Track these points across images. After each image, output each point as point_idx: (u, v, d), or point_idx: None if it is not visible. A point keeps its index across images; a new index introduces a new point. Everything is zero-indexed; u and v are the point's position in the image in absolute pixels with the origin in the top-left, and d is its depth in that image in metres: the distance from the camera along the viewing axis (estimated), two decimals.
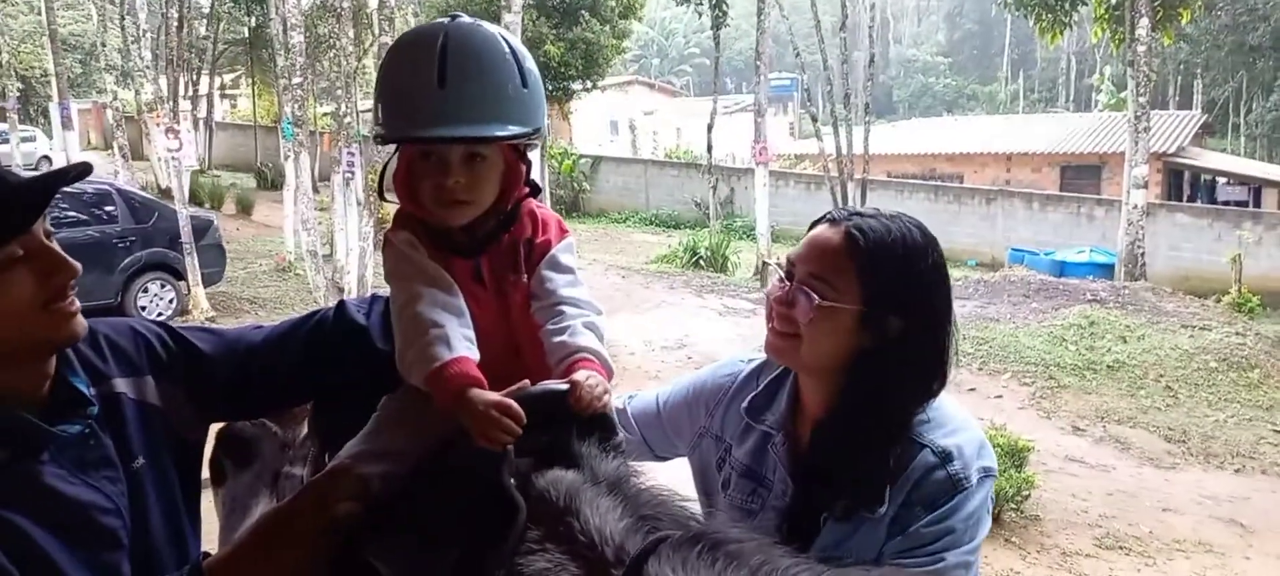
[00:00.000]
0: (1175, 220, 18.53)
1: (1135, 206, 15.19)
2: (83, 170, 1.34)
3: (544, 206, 1.53)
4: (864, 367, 1.46)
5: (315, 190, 13.81)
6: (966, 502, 1.43)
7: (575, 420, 1.31)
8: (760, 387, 1.66)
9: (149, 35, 19.74)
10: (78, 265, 1.32)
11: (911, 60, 63.84)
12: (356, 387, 1.57)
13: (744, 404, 1.66)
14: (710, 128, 20.00)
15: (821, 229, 1.51)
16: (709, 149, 20.27)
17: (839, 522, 1.45)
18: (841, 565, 1.15)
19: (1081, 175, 23.85)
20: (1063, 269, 15.86)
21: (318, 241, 12.58)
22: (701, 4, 20.40)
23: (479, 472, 1.24)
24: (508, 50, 1.38)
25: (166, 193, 15.84)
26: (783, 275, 1.53)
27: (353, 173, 12.19)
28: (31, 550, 1.24)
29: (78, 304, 1.33)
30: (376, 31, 17.47)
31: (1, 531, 1.22)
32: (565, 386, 1.31)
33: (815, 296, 1.45)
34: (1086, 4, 17.30)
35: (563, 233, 1.51)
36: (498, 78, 1.35)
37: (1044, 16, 17.49)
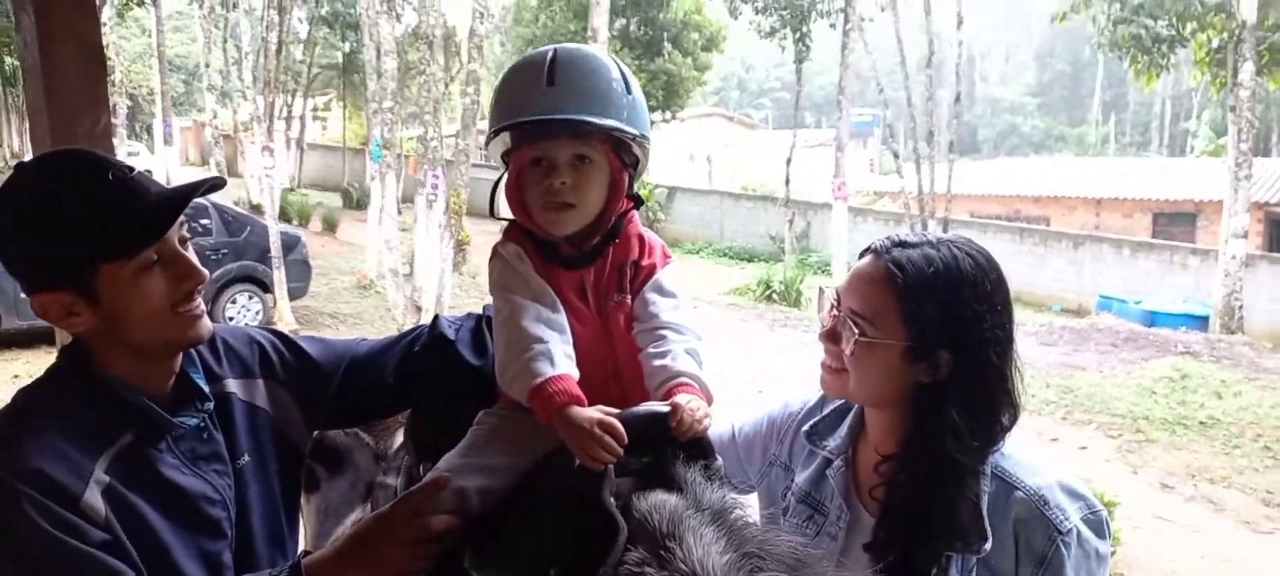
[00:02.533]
0: (1276, 271, 17.66)
1: (1233, 257, 14.55)
2: (216, 183, 1.44)
3: (650, 232, 1.54)
4: (923, 403, 1.42)
5: (398, 211, 14.14)
6: (1076, 554, 1.37)
7: (675, 444, 1.31)
8: (824, 414, 1.64)
9: (249, 57, 20.62)
10: (206, 272, 1.43)
11: (998, 99, 62.68)
12: (449, 399, 1.60)
13: (806, 428, 1.64)
14: (789, 161, 19.91)
15: (864, 261, 1.48)
16: (787, 182, 20.16)
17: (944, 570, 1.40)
18: None
19: (1175, 222, 22.94)
20: (1154, 319, 15.24)
21: (399, 260, 12.87)
22: (785, 38, 20.40)
23: (579, 490, 1.24)
24: (613, 64, 1.43)
25: (258, 208, 16.42)
26: (833, 307, 1.51)
27: (436, 194, 12.46)
28: (145, 529, 1.33)
29: (204, 308, 1.43)
30: (464, 59, 17.92)
31: (121, 508, 1.30)
32: (666, 408, 1.30)
33: (856, 331, 1.42)
34: (1186, 46, 16.76)
35: (667, 258, 1.52)
36: (603, 80, 1.39)
37: (1140, 58, 16.99)
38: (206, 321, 1.44)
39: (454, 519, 1.36)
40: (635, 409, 1.31)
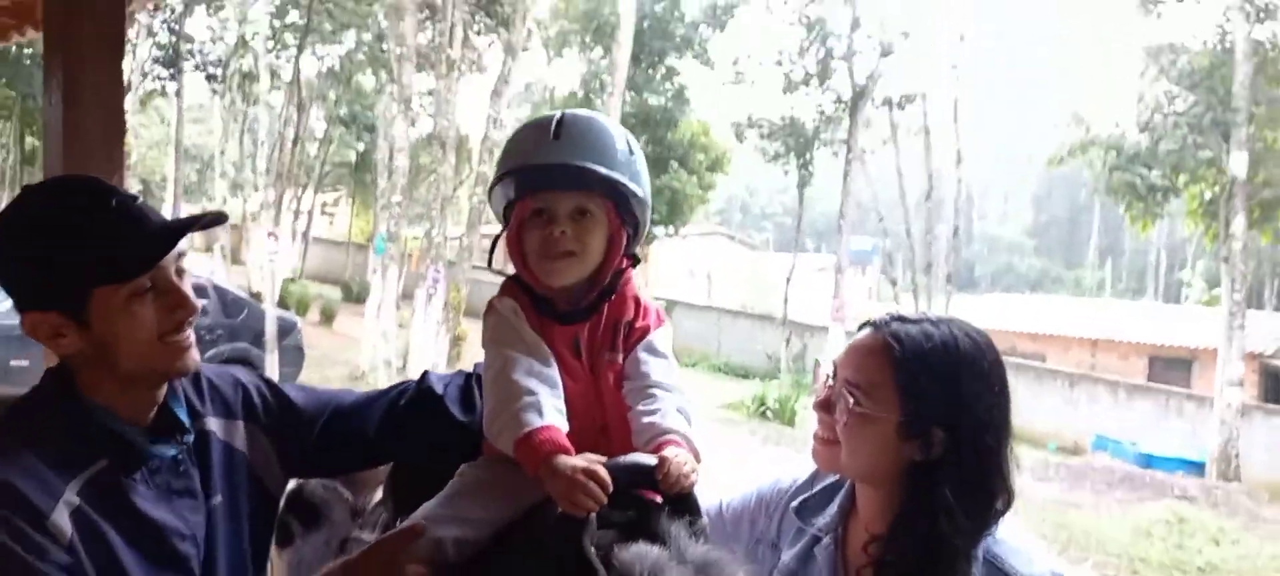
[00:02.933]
0: (1272, 424, 17.57)
1: (1229, 405, 14.52)
2: (218, 218, 1.48)
3: (646, 294, 1.55)
4: (915, 482, 1.39)
5: (397, 306, 14.21)
6: None
7: (662, 499, 1.28)
8: (815, 491, 1.61)
9: (264, 147, 21.10)
10: (198, 304, 1.43)
11: (996, 237, 63.66)
12: (432, 452, 1.58)
13: (795, 504, 1.60)
14: (788, 281, 20.10)
15: (863, 334, 1.47)
16: (785, 302, 20.30)
17: None
18: None
19: (1171, 368, 22.94)
20: (1150, 461, 15.09)
21: (393, 352, 12.86)
22: (788, 163, 20.88)
23: (559, 540, 1.21)
24: (618, 128, 1.47)
25: (258, 295, 16.49)
26: (829, 378, 1.49)
27: (436, 289, 12.55)
28: (111, 558, 1.29)
29: (193, 339, 1.42)
30: (474, 163, 18.31)
31: (88, 533, 1.27)
32: (653, 460, 1.28)
33: (850, 401, 1.41)
34: (1179, 196, 17.13)
35: (661, 320, 1.52)
36: (607, 139, 1.42)
37: (1135, 205, 17.35)
38: (195, 354, 1.43)
39: (427, 569, 1.32)
40: (621, 459, 1.29)
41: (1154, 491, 12.00)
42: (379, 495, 1.80)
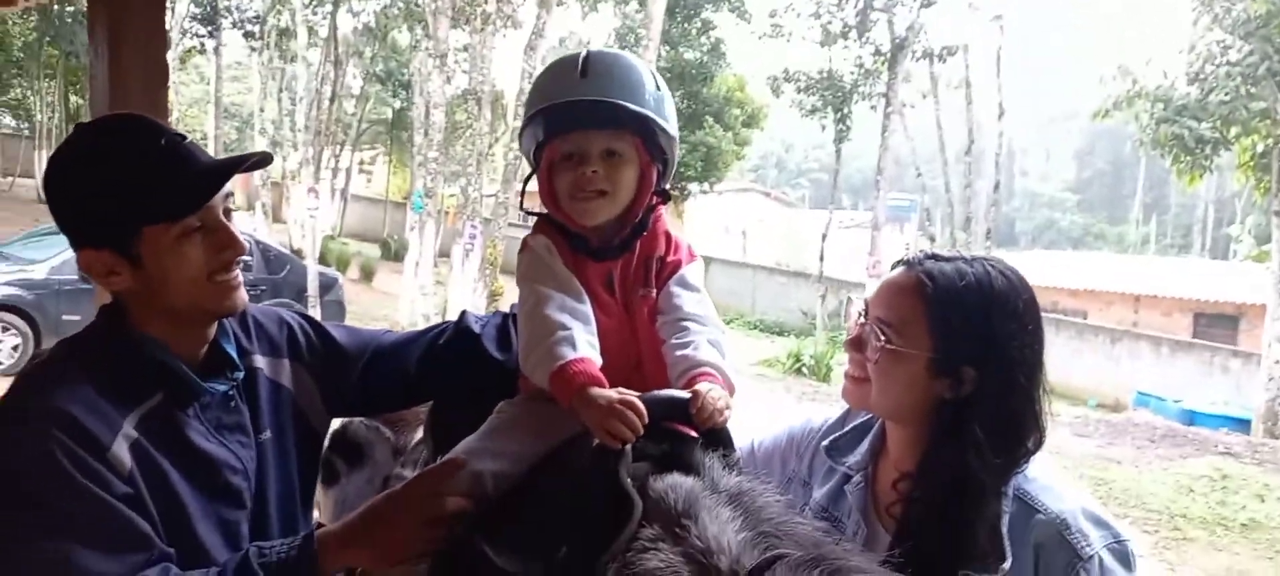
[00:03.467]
0: None
1: (1277, 361, 14.22)
2: (264, 158, 1.48)
3: (677, 229, 1.56)
4: (944, 420, 1.39)
5: (435, 263, 14.36)
6: None
7: (696, 432, 1.30)
8: (845, 431, 1.62)
9: (303, 103, 21.26)
10: (246, 244, 1.46)
11: (1037, 194, 62.53)
12: (471, 391, 1.61)
13: (826, 444, 1.62)
14: (824, 237, 19.93)
15: (896, 272, 1.47)
16: (821, 258, 20.14)
17: None
18: None
19: (1216, 324, 22.50)
20: (1193, 418, 14.86)
21: (432, 308, 13.01)
22: (825, 117, 20.59)
23: (596, 471, 1.24)
24: (645, 65, 1.47)
25: (299, 252, 16.73)
26: (860, 316, 1.50)
27: (473, 245, 12.64)
28: (167, 489, 1.34)
29: (241, 279, 1.45)
30: (509, 119, 18.30)
31: (146, 465, 1.32)
32: (687, 395, 1.30)
33: (881, 338, 1.41)
34: (1230, 149, 16.65)
35: (693, 256, 1.54)
36: (635, 76, 1.43)
37: (1182, 159, 16.89)
38: (242, 293, 1.46)
39: (467, 501, 1.36)
40: (656, 393, 1.31)
41: (1196, 448, 11.81)
42: (419, 434, 1.85)
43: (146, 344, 1.39)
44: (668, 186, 1.54)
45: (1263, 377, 14.55)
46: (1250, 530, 8.99)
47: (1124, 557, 1.37)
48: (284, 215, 26.05)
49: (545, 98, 1.42)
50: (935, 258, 1.44)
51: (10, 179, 27.90)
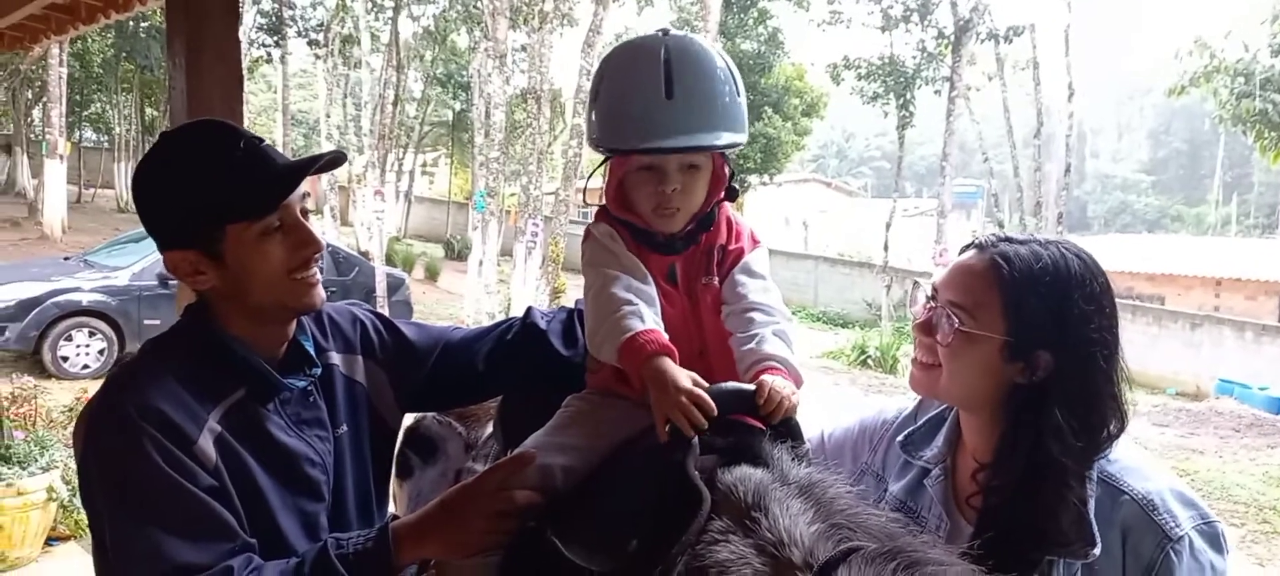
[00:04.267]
0: None
1: None
2: (338, 158, 1.52)
3: (739, 215, 1.56)
4: (1020, 406, 1.36)
5: (497, 262, 14.54)
6: (1188, 562, 1.29)
7: (764, 426, 1.30)
8: (919, 424, 1.59)
9: (367, 107, 21.69)
10: (324, 242, 1.50)
11: (1109, 176, 60.60)
12: (539, 388, 1.64)
13: (901, 438, 1.59)
14: (887, 226, 19.61)
15: (968, 255, 1.43)
16: (885, 248, 19.83)
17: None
18: None
19: None
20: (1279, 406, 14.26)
21: (496, 306, 13.18)
22: (888, 103, 20.25)
23: (664, 463, 1.24)
24: (722, 62, 1.44)
25: (366, 254, 17.10)
26: (929, 300, 1.46)
27: (535, 243, 12.75)
28: (250, 482, 1.39)
29: (319, 277, 1.49)
30: (568, 117, 18.42)
31: (231, 459, 1.37)
32: (753, 387, 1.30)
33: (954, 321, 1.38)
34: None
35: (756, 242, 1.54)
36: (716, 88, 1.41)
37: (1266, 134, 16.20)
38: (320, 291, 1.51)
39: (537, 495, 1.38)
40: (724, 385, 1.31)
41: None
42: (489, 429, 1.88)
43: (230, 341, 1.45)
44: (735, 185, 1.54)
45: None
46: None
47: (1214, 539, 1.32)
48: (351, 219, 26.63)
49: (630, 125, 1.39)
50: (1008, 240, 1.41)
51: (92, 190, 29.05)
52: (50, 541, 5.25)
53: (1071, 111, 19.55)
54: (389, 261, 19.87)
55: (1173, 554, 1.29)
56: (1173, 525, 1.30)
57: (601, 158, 1.50)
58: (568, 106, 19.51)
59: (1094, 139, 65.34)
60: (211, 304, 1.47)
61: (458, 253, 26.39)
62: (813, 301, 25.32)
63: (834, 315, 24.21)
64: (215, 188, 1.39)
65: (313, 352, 1.55)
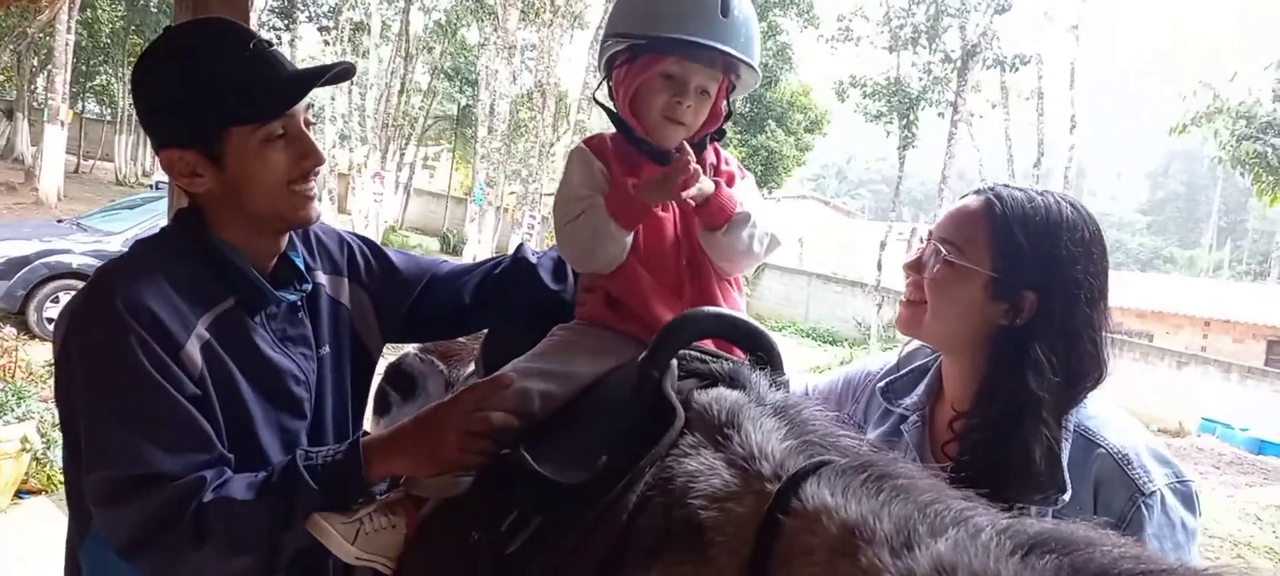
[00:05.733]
0: None
1: None
2: (347, 70, 1.49)
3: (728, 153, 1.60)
4: (1001, 348, 1.36)
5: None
6: (1158, 517, 1.29)
7: (746, 354, 1.32)
8: (902, 374, 1.61)
9: (372, 91, 21.69)
10: (325, 155, 1.50)
11: (1106, 214, 60.67)
12: (525, 321, 1.64)
13: (882, 386, 1.61)
14: (882, 246, 19.65)
15: (965, 199, 1.46)
16: (879, 267, 19.86)
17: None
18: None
19: None
20: (1262, 447, 14.32)
21: None
22: (890, 123, 20.32)
23: (640, 384, 1.25)
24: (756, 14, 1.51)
25: None
26: (923, 241, 1.48)
27: (531, 235, 12.76)
28: (234, 393, 1.38)
29: (316, 191, 1.49)
30: (572, 119, 18.45)
31: (216, 367, 1.36)
32: (734, 312, 1.37)
33: (942, 251, 1.39)
34: None
35: (743, 172, 1.58)
36: (755, 27, 1.49)
37: (1264, 177, 16.27)
38: (317, 206, 1.50)
39: (512, 418, 1.38)
40: (705, 309, 1.33)
41: (1264, 477, 11.41)
42: (471, 368, 1.88)
43: (223, 247, 1.43)
44: (726, 127, 1.58)
45: None
46: None
47: (1187, 498, 1.33)
48: (349, 206, 26.59)
49: (686, 23, 1.42)
50: (1006, 186, 1.43)
51: (92, 162, 28.97)
52: (21, 494, 5.22)
53: (1072, 145, 19.62)
54: None
55: (1144, 508, 1.30)
56: (1146, 480, 1.31)
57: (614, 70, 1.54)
58: (572, 107, 19.52)
59: (1093, 176, 65.64)
60: (205, 209, 1.45)
61: (453, 247, 26.34)
62: (804, 317, 25.35)
63: (824, 331, 24.23)
64: (222, 87, 1.37)
65: (303, 269, 1.54)
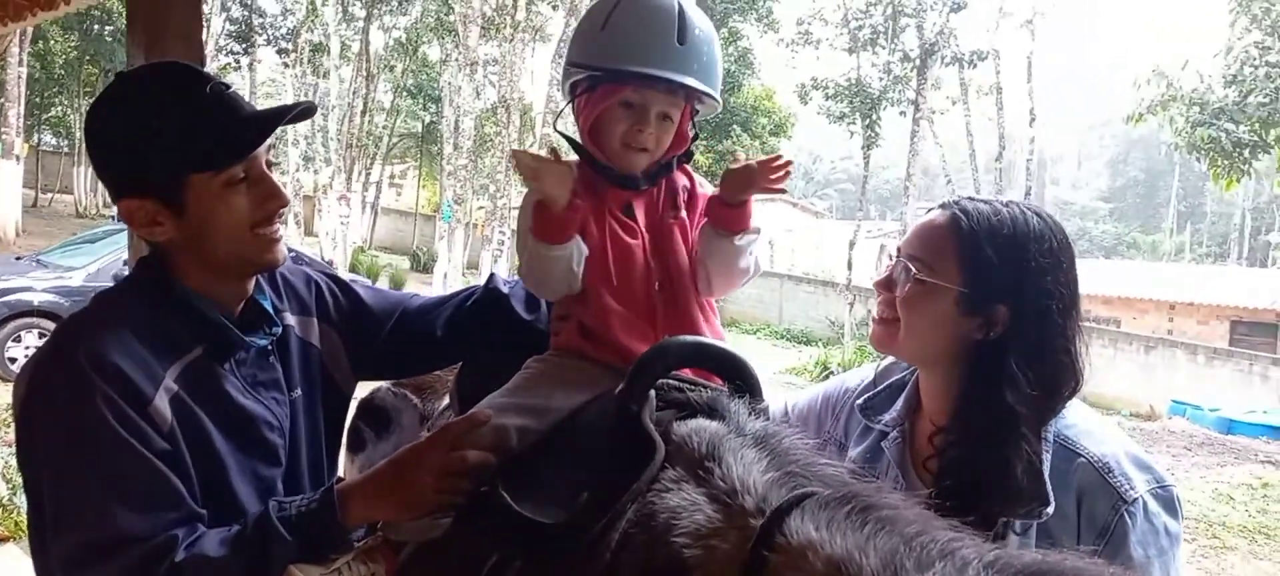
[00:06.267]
0: None
1: None
2: (308, 109, 1.46)
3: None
4: (976, 362, 1.37)
5: (463, 274, 14.44)
6: (1141, 523, 1.30)
7: (725, 383, 1.31)
8: (880, 390, 1.61)
9: (335, 112, 21.51)
10: (288, 197, 1.46)
11: (1069, 203, 61.63)
12: (498, 353, 1.62)
13: (861, 402, 1.60)
14: (852, 246, 19.80)
15: (930, 214, 1.46)
16: (849, 267, 20.02)
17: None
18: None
19: (1255, 332, 22.04)
20: (1231, 427, 14.56)
21: None
22: (854, 123, 20.50)
23: (619, 417, 1.24)
24: (714, 32, 1.50)
25: (331, 263, 16.92)
26: (892, 259, 1.48)
27: (502, 252, 12.70)
28: (206, 445, 1.34)
29: (282, 233, 1.45)
30: (537, 131, 18.42)
31: (186, 420, 1.32)
32: (712, 340, 1.35)
33: (912, 269, 1.40)
34: (1269, 153, 16.33)
35: None
36: (715, 51, 1.47)
37: (1219, 162, 16.58)
38: (283, 248, 1.46)
39: (490, 456, 1.35)
40: (684, 337, 1.32)
41: (1235, 456, 11.60)
42: (446, 401, 1.86)
43: (190, 298, 1.39)
44: (693, 148, 1.56)
45: None
46: None
47: (1169, 503, 1.34)
48: (316, 228, 26.32)
49: (641, 54, 1.40)
50: (970, 199, 1.43)
51: (50, 195, 28.46)
52: None
53: (1032, 138, 19.94)
54: (353, 271, 19.67)
55: (1127, 516, 1.30)
56: (1127, 487, 1.31)
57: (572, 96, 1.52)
58: (537, 120, 19.49)
59: (1054, 166, 66.60)
60: (167, 256, 1.41)
61: (423, 265, 26.17)
62: (777, 319, 25.47)
63: (797, 332, 24.36)
64: (180, 134, 1.33)
65: (272, 312, 1.51)
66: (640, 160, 1.46)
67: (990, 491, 1.30)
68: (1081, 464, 1.34)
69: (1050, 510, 1.30)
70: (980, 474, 1.31)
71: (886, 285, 1.46)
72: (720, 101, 1.50)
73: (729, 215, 1.45)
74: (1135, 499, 1.31)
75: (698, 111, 1.53)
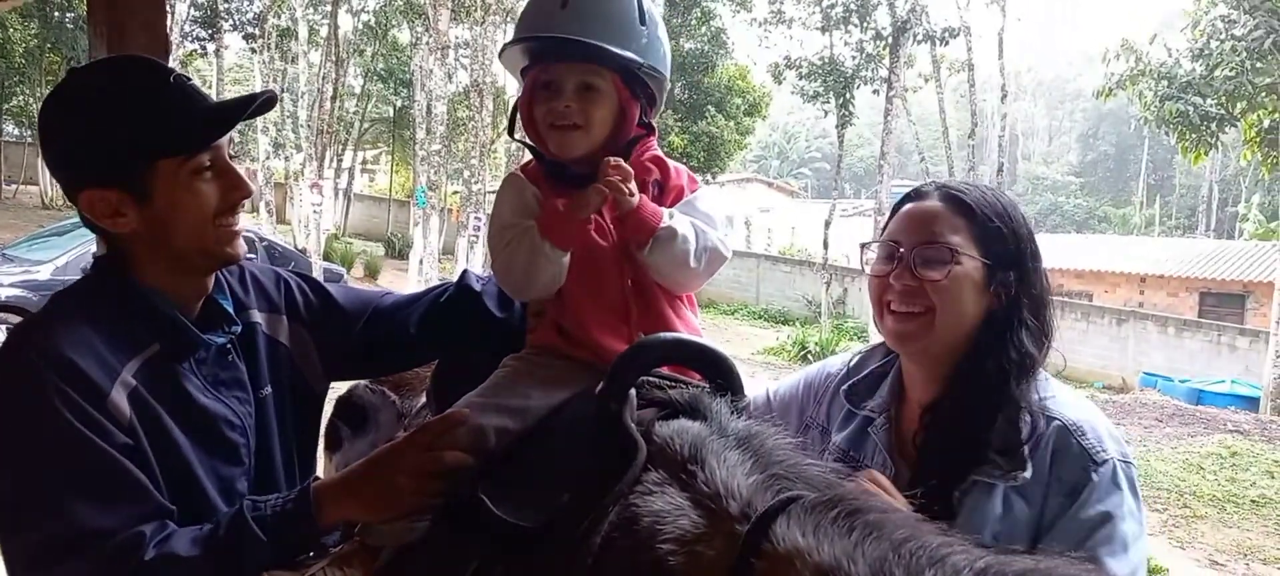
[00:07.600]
0: None
1: None
2: (270, 99, 1.43)
3: (674, 159, 1.55)
4: (984, 332, 1.43)
5: (439, 260, 14.36)
6: (1108, 483, 1.33)
7: (706, 381, 1.29)
8: (863, 375, 1.62)
9: (305, 101, 21.25)
10: (252, 188, 1.45)
11: (1041, 177, 62.14)
12: (473, 350, 1.60)
13: (845, 388, 1.62)
14: (827, 225, 19.88)
15: (917, 203, 1.49)
16: (825, 246, 20.11)
17: (974, 498, 1.36)
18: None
19: (1223, 303, 22.41)
20: (1200, 397, 14.80)
21: None
22: (828, 102, 20.52)
23: (600, 418, 1.22)
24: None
25: (304, 251, 16.76)
26: (897, 259, 1.46)
27: (478, 237, 12.64)
28: (168, 442, 1.31)
29: (243, 226, 1.43)
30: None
31: (146, 416, 1.29)
32: (690, 336, 1.31)
33: (950, 259, 1.42)
34: (1236, 126, 16.55)
35: (695, 183, 1.54)
36: (620, 11, 1.41)
37: (1187, 135, 16.79)
38: (242, 242, 1.45)
39: (468, 456, 1.33)
40: (660, 335, 1.30)
41: (1205, 426, 11.77)
42: (423, 399, 1.83)
43: (148, 294, 1.37)
44: (653, 121, 1.52)
45: (1271, 355, 14.48)
46: (1260, 506, 8.95)
47: (1131, 480, 1.37)
48: (288, 216, 26.05)
49: (524, 26, 1.43)
50: (945, 184, 1.50)
51: (14, 187, 27.93)
52: None
53: (1004, 114, 20.05)
54: (327, 259, 19.47)
55: (1095, 475, 1.34)
56: (1099, 449, 1.36)
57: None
58: (510, 103, 19.36)
59: (1026, 142, 67.14)
60: (127, 252, 1.39)
61: (398, 251, 25.98)
62: (754, 299, 25.56)
63: (775, 312, 24.47)
64: (148, 121, 1.32)
65: (231, 310, 1.48)
66: (574, 140, 1.42)
67: (975, 454, 1.36)
68: (1056, 426, 1.38)
69: (1027, 474, 1.35)
70: (966, 434, 1.37)
71: (910, 278, 1.43)
72: (657, 69, 1.45)
73: (622, 229, 1.41)
74: (1106, 460, 1.35)
75: (652, 92, 1.48)
